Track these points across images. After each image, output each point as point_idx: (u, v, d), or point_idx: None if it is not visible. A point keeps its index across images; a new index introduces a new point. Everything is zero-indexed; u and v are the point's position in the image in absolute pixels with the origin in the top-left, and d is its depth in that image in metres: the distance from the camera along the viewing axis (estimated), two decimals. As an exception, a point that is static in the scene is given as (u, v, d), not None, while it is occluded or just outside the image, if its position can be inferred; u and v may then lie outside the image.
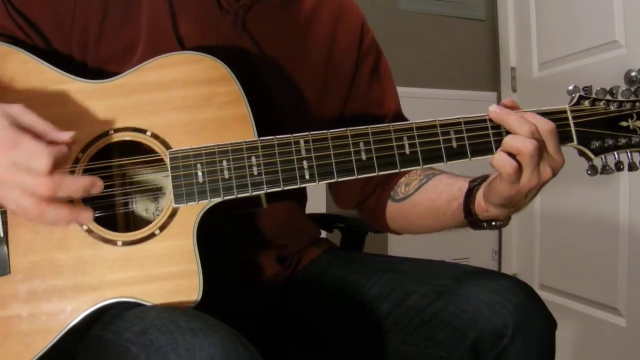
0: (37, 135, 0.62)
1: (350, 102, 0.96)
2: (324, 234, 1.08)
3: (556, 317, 0.77)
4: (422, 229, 0.94)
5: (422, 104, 2.16)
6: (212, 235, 0.73)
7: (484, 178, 0.79)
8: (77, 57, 0.82)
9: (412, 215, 0.92)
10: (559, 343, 0.75)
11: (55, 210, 0.63)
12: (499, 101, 2.33)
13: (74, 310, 0.70)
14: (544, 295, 2.06)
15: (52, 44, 0.81)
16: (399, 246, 2.19)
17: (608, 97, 0.75)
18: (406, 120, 1.00)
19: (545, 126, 0.71)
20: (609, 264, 1.82)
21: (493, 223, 0.80)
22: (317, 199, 1.21)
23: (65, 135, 0.64)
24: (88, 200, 0.72)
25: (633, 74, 0.75)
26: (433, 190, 0.86)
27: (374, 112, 0.97)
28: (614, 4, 1.76)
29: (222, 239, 0.83)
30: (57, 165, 0.62)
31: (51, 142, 0.63)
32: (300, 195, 0.98)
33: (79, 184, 0.64)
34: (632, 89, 0.75)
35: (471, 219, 0.81)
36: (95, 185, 0.64)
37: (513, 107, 0.74)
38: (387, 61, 1.02)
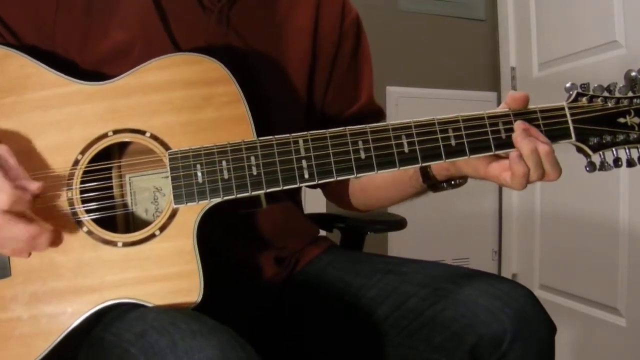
0: (8, 177, 0.64)
1: (330, 84, 0.96)
2: (323, 233, 1.08)
3: (556, 317, 0.76)
4: (382, 201, 0.97)
5: (422, 104, 2.16)
6: (211, 236, 0.73)
7: None
8: (65, 60, 0.81)
9: (371, 188, 0.95)
10: (559, 343, 0.74)
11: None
12: (499, 101, 2.34)
13: (74, 312, 0.69)
14: (544, 295, 2.07)
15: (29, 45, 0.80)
16: (399, 246, 2.19)
17: (605, 94, 0.75)
18: (378, 108, 1.01)
19: (542, 148, 0.71)
20: (609, 264, 1.82)
21: (452, 182, 0.82)
22: (317, 199, 1.21)
23: (34, 185, 0.66)
24: (88, 201, 0.73)
25: (633, 74, 0.75)
26: None
27: (347, 98, 0.97)
28: (614, 4, 1.76)
29: (222, 240, 0.83)
30: (14, 207, 0.63)
31: (19, 187, 0.64)
32: (297, 195, 0.98)
33: (22, 231, 0.65)
34: (629, 85, 0.75)
35: (430, 182, 0.82)
36: (40, 236, 0.66)
37: (522, 101, 0.74)
38: (368, 45, 1.00)
